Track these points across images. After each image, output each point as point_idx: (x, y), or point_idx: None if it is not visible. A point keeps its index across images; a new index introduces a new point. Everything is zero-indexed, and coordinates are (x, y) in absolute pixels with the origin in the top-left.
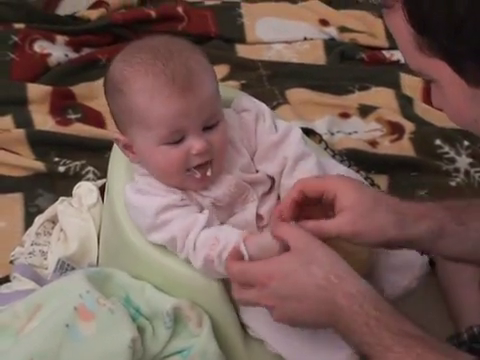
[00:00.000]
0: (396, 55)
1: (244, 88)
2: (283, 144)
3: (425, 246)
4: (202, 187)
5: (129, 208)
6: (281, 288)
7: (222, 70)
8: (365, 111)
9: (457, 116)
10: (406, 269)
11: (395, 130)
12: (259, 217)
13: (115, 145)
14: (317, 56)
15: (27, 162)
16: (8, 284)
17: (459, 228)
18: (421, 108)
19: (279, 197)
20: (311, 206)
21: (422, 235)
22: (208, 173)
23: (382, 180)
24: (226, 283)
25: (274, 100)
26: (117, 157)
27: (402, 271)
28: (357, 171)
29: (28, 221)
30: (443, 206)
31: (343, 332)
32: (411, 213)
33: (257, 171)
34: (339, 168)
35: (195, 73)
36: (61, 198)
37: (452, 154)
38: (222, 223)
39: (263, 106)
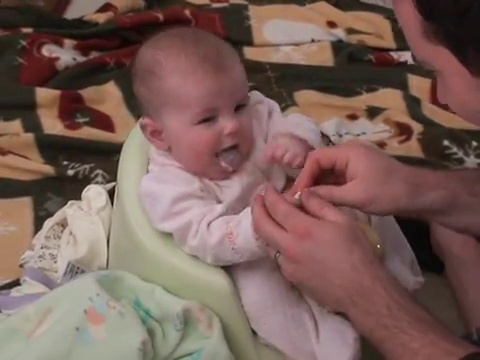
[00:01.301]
0: (404, 56)
1: (252, 90)
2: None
3: (435, 216)
4: (224, 176)
5: (143, 197)
6: (315, 250)
7: None
8: (373, 112)
9: (461, 108)
10: None
11: (403, 131)
12: None
13: (124, 147)
14: (325, 58)
15: (36, 166)
16: (18, 288)
17: (471, 199)
18: (429, 109)
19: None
20: (326, 179)
21: (433, 205)
22: (233, 168)
23: None
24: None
25: (282, 102)
26: (127, 160)
27: None
28: None
29: (38, 225)
30: (456, 176)
31: (358, 314)
32: (424, 182)
33: None
34: None
35: (225, 55)
36: (70, 202)
37: (460, 155)
38: None
39: (273, 102)
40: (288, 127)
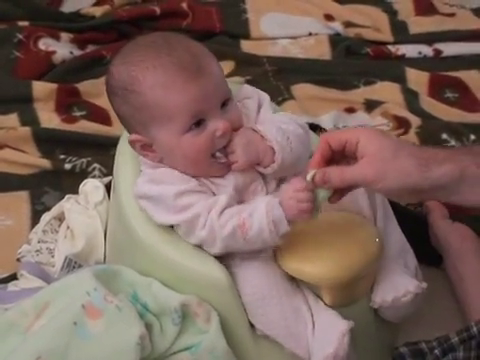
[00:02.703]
0: (401, 49)
1: (249, 84)
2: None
3: (447, 193)
4: (227, 171)
5: (141, 199)
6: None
7: (227, 66)
8: (371, 106)
9: None
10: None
11: (401, 124)
12: None
13: (120, 141)
14: (322, 51)
15: (33, 160)
16: (15, 282)
17: None
18: (427, 102)
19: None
20: (337, 162)
21: (443, 179)
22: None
23: None
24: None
25: (280, 95)
26: (123, 154)
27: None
28: None
29: (35, 219)
30: (464, 151)
31: None
32: (433, 157)
33: None
34: None
35: (200, 57)
36: (67, 196)
37: None
38: None
39: (264, 94)
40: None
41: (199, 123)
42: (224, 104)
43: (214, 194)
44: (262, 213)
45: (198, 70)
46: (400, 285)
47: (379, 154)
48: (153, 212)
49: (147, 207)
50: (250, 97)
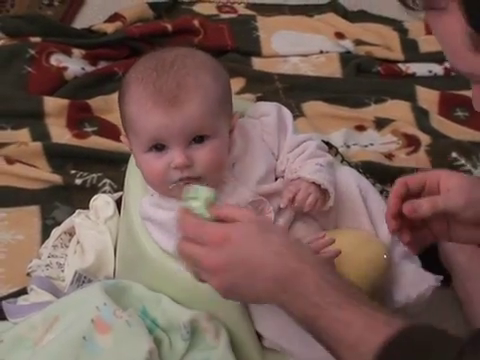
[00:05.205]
0: (412, 68)
1: (260, 101)
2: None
3: None
4: None
5: (146, 221)
6: (236, 252)
7: (238, 83)
8: (381, 124)
9: None
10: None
11: (411, 143)
12: None
13: (131, 157)
14: (333, 69)
15: (44, 175)
16: (25, 296)
17: None
18: (437, 121)
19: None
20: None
21: None
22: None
23: None
24: None
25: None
26: (133, 170)
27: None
28: (373, 184)
29: (45, 233)
30: None
31: (289, 298)
32: None
33: (276, 179)
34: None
35: (186, 89)
36: (78, 211)
37: (468, 166)
38: None
39: (283, 108)
40: (297, 163)
41: (162, 148)
42: (201, 140)
43: None
44: None
45: (173, 100)
46: (420, 281)
47: (465, 185)
48: (157, 237)
49: (152, 231)
50: (268, 114)
